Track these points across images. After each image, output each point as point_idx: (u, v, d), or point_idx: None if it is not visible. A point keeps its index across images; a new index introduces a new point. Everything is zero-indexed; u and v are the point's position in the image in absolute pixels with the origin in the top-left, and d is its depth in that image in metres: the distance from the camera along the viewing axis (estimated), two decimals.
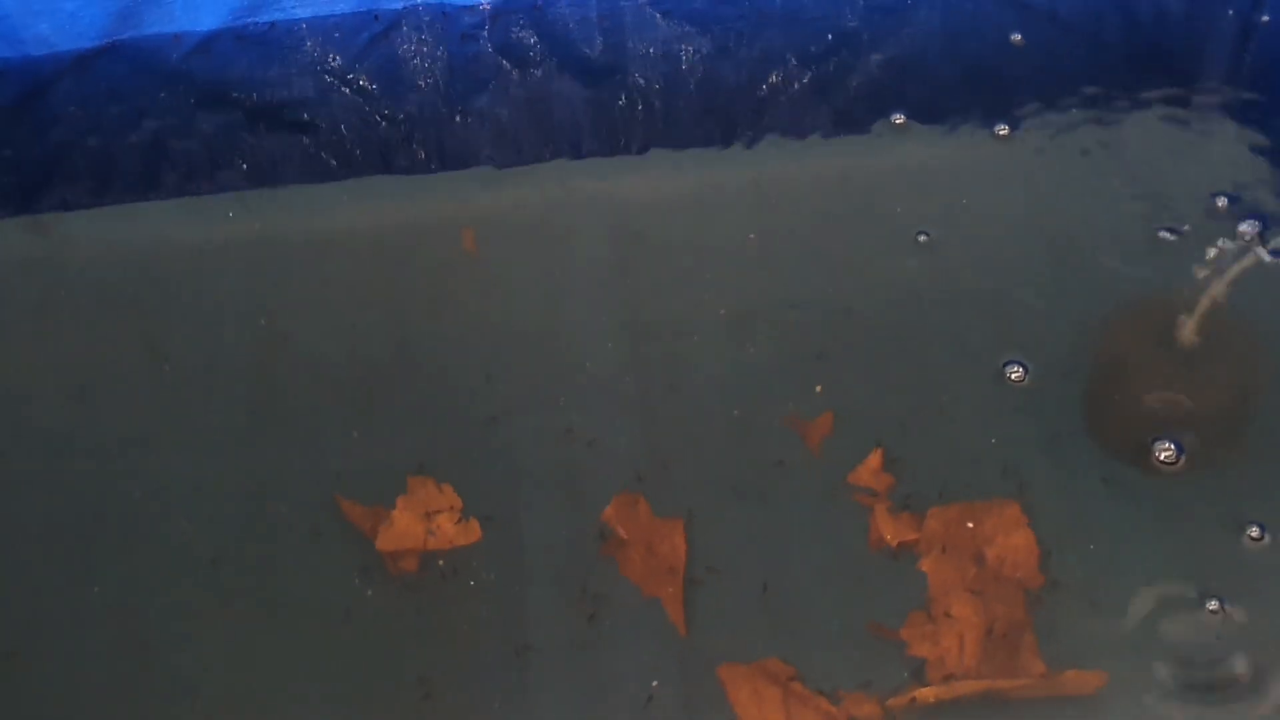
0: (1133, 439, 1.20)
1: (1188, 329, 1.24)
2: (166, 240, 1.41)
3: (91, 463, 1.24)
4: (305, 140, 1.49)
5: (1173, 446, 1.18)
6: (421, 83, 1.53)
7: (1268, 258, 1.30)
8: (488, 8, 1.55)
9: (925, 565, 1.13)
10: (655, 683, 1.08)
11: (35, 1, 1.48)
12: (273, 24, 1.55)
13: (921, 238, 1.35)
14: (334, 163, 1.48)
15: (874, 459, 1.20)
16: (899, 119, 1.46)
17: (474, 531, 1.17)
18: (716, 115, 1.51)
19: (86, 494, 1.22)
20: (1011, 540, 1.15)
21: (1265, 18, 1.54)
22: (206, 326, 1.33)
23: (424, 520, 1.17)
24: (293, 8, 1.54)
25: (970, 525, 1.15)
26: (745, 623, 1.12)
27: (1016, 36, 1.55)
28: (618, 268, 1.35)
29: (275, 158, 1.48)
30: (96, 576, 1.17)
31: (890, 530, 1.15)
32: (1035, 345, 1.27)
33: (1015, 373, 1.24)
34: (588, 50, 1.55)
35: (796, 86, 1.52)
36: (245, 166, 1.47)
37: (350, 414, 1.25)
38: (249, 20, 1.54)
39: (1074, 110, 1.46)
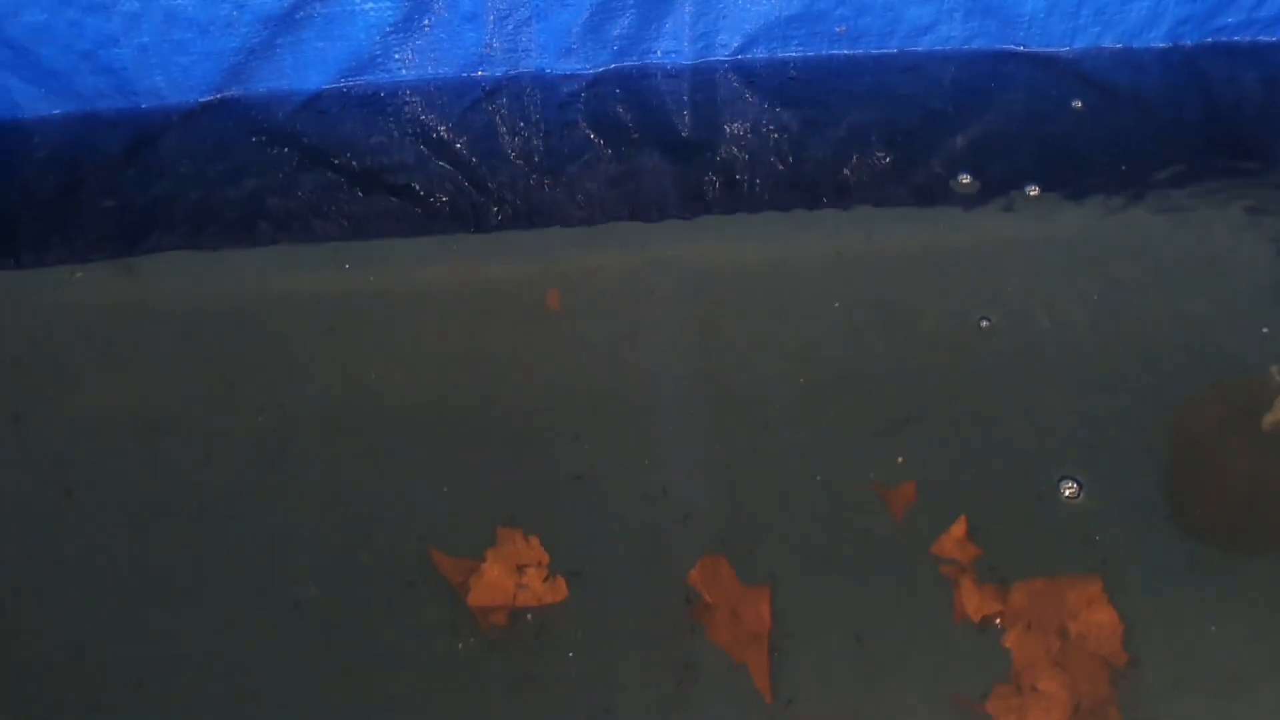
0: (1216, 519, 1.22)
1: (1273, 412, 1.25)
2: (253, 291, 1.44)
3: (169, 507, 1.25)
4: (399, 198, 1.52)
5: None
6: (516, 148, 1.57)
7: None
8: (586, 79, 1.61)
9: (1010, 640, 1.14)
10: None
11: (153, 55, 1.53)
12: (378, 85, 1.61)
13: (1001, 311, 1.37)
14: (425, 221, 1.51)
15: (958, 529, 1.21)
16: (979, 193, 1.50)
17: (561, 590, 1.18)
18: (802, 187, 1.54)
19: (161, 539, 1.23)
20: (1095, 616, 1.15)
21: None
22: (288, 377, 1.36)
23: (513, 574, 1.19)
24: (398, 70, 1.60)
25: (1054, 600, 1.16)
26: (830, 690, 1.13)
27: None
28: (701, 333, 1.38)
29: (368, 214, 1.52)
30: (181, 620, 1.18)
31: (975, 603, 1.17)
32: (1116, 422, 1.28)
33: (1070, 489, 1.24)
34: (678, 121, 1.60)
35: (881, 162, 1.55)
36: (338, 222, 1.50)
37: (438, 468, 1.27)
38: (355, 81, 1.60)
39: (1152, 193, 1.49)
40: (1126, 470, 1.25)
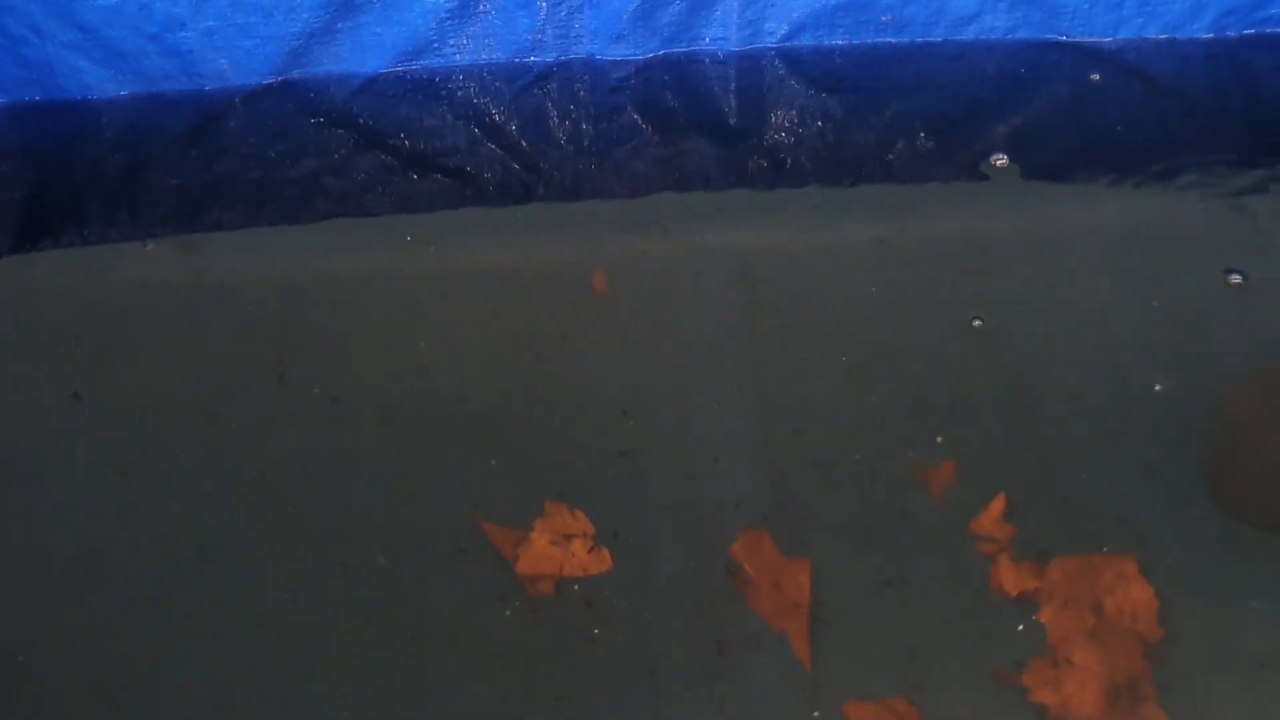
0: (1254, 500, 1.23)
1: None
2: (308, 269, 1.47)
3: (227, 477, 1.28)
4: (451, 180, 1.55)
5: None
6: (565, 131, 1.60)
7: None
8: (635, 64, 1.64)
9: (1045, 615, 1.16)
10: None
11: (218, 38, 1.57)
12: (433, 70, 1.64)
13: (1042, 296, 1.39)
14: (477, 203, 1.54)
15: (996, 507, 1.23)
16: (1020, 180, 1.51)
17: (605, 560, 1.21)
18: (845, 173, 1.56)
19: (220, 506, 1.26)
20: (1131, 593, 1.17)
21: None
22: (343, 351, 1.38)
23: (560, 544, 1.22)
24: (453, 55, 1.63)
25: (1090, 577, 1.18)
26: (869, 662, 1.15)
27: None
28: (744, 314, 1.40)
29: (421, 195, 1.55)
30: (238, 588, 1.21)
31: (1012, 579, 1.19)
32: (1157, 404, 1.30)
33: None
34: (724, 107, 1.62)
35: (924, 149, 1.57)
36: (392, 202, 1.54)
37: (487, 443, 1.30)
38: (411, 65, 1.63)
39: (1195, 181, 1.50)
40: (1165, 451, 1.26)
